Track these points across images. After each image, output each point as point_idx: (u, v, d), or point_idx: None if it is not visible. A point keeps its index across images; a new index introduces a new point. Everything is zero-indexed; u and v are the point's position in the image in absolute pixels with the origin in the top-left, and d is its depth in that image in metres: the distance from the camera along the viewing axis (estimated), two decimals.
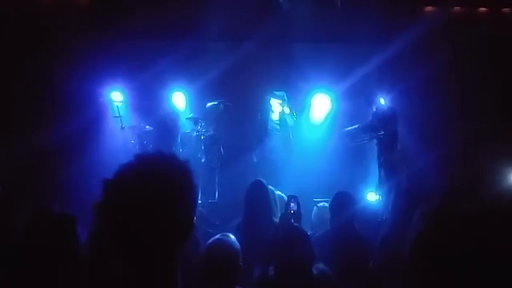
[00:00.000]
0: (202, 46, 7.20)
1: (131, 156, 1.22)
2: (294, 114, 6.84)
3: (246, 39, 6.90)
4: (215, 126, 6.89)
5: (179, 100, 7.30)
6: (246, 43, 6.91)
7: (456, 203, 1.30)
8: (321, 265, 2.87)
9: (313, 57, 7.20)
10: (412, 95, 6.84)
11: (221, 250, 2.56)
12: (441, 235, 1.25)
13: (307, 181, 6.23)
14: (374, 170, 6.47)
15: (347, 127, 6.85)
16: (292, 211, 3.64)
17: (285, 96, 6.74)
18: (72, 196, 5.05)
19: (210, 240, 2.66)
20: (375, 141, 6.40)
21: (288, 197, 3.82)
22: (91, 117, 7.00)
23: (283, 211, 3.77)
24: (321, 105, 7.26)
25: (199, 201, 5.65)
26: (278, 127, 6.77)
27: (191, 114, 6.96)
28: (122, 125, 6.87)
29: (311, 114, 7.31)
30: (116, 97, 7.13)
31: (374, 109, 6.49)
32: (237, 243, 2.64)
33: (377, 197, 6.20)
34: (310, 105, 7.27)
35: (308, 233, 3.13)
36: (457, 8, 7.65)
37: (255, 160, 6.69)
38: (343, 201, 3.93)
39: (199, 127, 6.70)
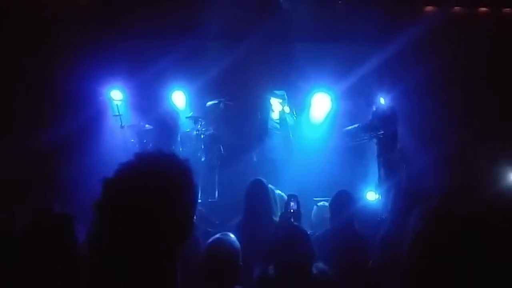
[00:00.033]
0: (202, 45, 7.20)
1: (131, 155, 1.22)
2: (294, 113, 6.84)
3: (246, 39, 6.90)
4: (215, 125, 6.89)
5: (179, 99, 7.30)
6: (246, 42, 6.90)
7: (454, 203, 1.30)
8: (320, 264, 2.87)
9: (313, 56, 7.20)
10: (412, 95, 6.84)
11: (221, 249, 2.57)
12: (439, 234, 1.25)
13: (307, 180, 6.23)
14: (373, 170, 6.48)
15: (347, 127, 6.85)
16: (292, 210, 3.64)
17: (285, 95, 6.75)
18: (72, 195, 5.05)
19: (210, 239, 2.66)
20: (374, 140, 6.40)
21: (288, 196, 3.82)
22: (91, 115, 7.00)
23: (283, 210, 3.77)
24: (321, 104, 7.27)
25: (199, 200, 5.65)
26: (278, 126, 6.77)
27: (191, 113, 6.95)
28: (121, 124, 6.87)
29: (311, 114, 7.31)
30: (116, 95, 7.13)
31: (374, 109, 6.50)
32: (237, 242, 2.64)
33: (377, 196, 6.21)
34: (310, 104, 7.27)
35: (308, 232, 3.13)
36: (457, 8, 7.65)
37: (255, 159, 6.69)
38: (344, 200, 3.93)
39: (199, 126, 6.70)
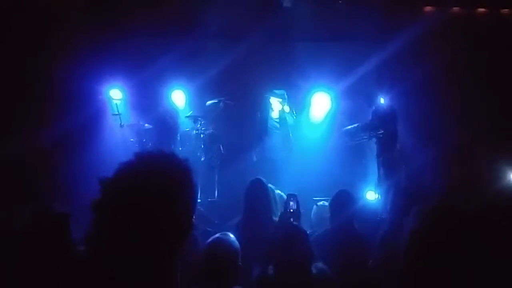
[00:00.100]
0: (202, 44, 7.20)
1: (131, 154, 1.22)
2: (294, 112, 6.85)
3: (246, 38, 6.90)
4: (215, 125, 6.89)
5: (178, 98, 7.30)
6: (246, 41, 6.90)
7: (452, 202, 1.30)
8: (320, 264, 2.87)
9: (313, 56, 7.20)
10: (411, 95, 6.85)
11: (221, 249, 2.56)
12: (435, 234, 1.25)
13: (307, 180, 6.23)
14: (373, 169, 6.48)
15: (347, 126, 6.85)
16: (291, 210, 3.63)
17: (285, 95, 6.75)
18: (72, 194, 5.05)
19: (210, 239, 2.65)
20: (374, 140, 6.41)
21: (287, 196, 3.81)
22: (90, 115, 6.99)
23: (283, 210, 3.76)
24: (321, 104, 7.27)
25: (199, 200, 5.65)
26: (278, 125, 6.77)
27: (191, 112, 6.94)
28: (121, 123, 6.86)
29: (311, 113, 7.32)
30: (115, 94, 7.13)
31: (374, 108, 6.50)
32: (236, 242, 2.63)
33: (376, 196, 6.21)
34: (310, 103, 7.28)
35: (308, 232, 3.13)
36: (456, 9, 7.66)
37: (254, 158, 6.70)
38: (343, 200, 3.92)
39: (198, 125, 6.69)
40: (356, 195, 4.49)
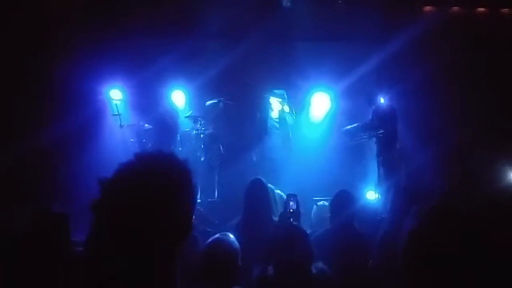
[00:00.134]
0: (202, 44, 7.20)
1: (130, 154, 1.22)
2: (294, 112, 6.84)
3: (246, 38, 6.90)
4: (215, 125, 6.89)
5: (178, 98, 7.30)
6: (246, 41, 6.90)
7: (451, 202, 1.30)
8: (320, 264, 2.87)
9: (313, 55, 7.20)
10: (411, 95, 6.85)
11: (220, 249, 2.56)
12: (434, 234, 1.25)
13: (307, 180, 6.23)
14: (373, 169, 6.48)
15: (347, 126, 6.85)
16: (291, 210, 3.63)
17: (284, 95, 6.75)
18: (72, 195, 5.05)
19: (209, 240, 2.65)
20: (374, 139, 6.41)
21: (287, 196, 3.81)
22: (90, 115, 6.99)
23: (283, 210, 3.76)
24: (320, 103, 7.27)
25: (199, 200, 5.65)
26: (277, 125, 6.77)
27: (191, 112, 6.94)
28: (121, 123, 6.85)
29: (310, 113, 7.32)
30: (115, 95, 7.13)
31: (374, 108, 6.50)
32: (236, 243, 2.63)
33: (376, 195, 6.21)
34: (309, 103, 7.28)
35: (308, 232, 3.13)
36: (456, 8, 7.66)
37: (254, 158, 6.69)
38: (344, 200, 3.92)
39: (198, 126, 6.69)
40: (356, 195, 4.49)
